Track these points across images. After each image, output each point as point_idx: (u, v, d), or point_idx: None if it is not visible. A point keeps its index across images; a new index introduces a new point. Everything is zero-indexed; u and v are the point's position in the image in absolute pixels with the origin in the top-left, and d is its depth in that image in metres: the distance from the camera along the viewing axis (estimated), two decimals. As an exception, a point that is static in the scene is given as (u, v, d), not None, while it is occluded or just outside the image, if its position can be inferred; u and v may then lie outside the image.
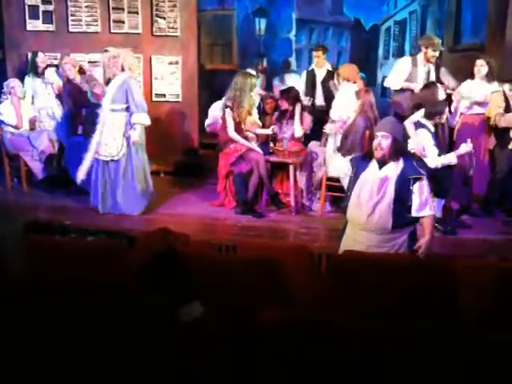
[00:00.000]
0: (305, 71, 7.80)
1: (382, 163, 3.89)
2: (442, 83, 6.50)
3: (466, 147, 5.23)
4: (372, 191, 3.86)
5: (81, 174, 5.80)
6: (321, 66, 7.55)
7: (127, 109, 5.64)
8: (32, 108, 6.94)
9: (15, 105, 6.71)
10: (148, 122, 5.75)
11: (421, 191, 3.83)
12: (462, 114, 6.10)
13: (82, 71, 6.89)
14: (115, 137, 5.66)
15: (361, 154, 4.28)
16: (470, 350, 1.79)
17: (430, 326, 1.86)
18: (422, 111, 5.47)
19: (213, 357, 2.09)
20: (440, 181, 5.27)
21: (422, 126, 5.32)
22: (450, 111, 5.68)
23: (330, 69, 7.59)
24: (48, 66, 7.10)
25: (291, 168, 5.98)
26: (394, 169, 3.86)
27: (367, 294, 2.73)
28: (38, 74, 6.97)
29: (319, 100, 7.35)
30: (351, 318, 2.00)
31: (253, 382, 2.07)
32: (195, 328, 2.18)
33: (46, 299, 2.14)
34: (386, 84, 6.70)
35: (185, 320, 2.18)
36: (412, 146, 5.37)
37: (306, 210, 6.12)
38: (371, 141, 4.12)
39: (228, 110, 5.93)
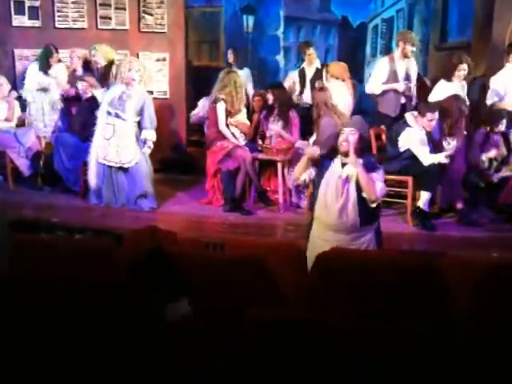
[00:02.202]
0: (297, 70, 7.59)
1: (343, 163, 3.95)
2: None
3: (454, 145, 5.29)
4: (337, 193, 3.92)
5: (93, 180, 5.88)
6: (311, 64, 7.38)
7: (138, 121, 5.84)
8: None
9: None
10: (155, 137, 5.94)
11: (380, 179, 3.92)
12: None
13: (86, 65, 6.89)
14: (127, 144, 5.78)
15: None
16: (462, 349, 1.81)
17: (421, 325, 1.87)
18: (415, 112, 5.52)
19: (201, 355, 2.08)
20: (425, 175, 5.33)
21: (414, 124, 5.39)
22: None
23: (319, 66, 7.43)
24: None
25: (279, 165, 5.98)
26: (354, 168, 3.91)
27: (355, 291, 2.74)
28: (46, 70, 6.89)
29: (307, 98, 7.28)
30: (339, 316, 2.00)
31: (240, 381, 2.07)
32: (182, 326, 2.17)
33: (35, 298, 2.12)
34: (367, 91, 6.58)
35: (171, 318, 2.17)
36: (402, 143, 5.41)
37: (293, 208, 6.12)
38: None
39: (222, 103, 5.90)
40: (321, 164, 4.10)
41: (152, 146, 5.90)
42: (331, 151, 4.10)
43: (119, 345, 2.06)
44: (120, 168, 5.82)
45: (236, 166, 5.93)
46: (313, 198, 4.15)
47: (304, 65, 7.46)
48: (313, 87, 7.22)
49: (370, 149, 4.36)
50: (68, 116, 6.65)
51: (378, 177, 3.94)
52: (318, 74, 7.28)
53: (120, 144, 5.76)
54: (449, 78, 6.06)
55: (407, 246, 5.03)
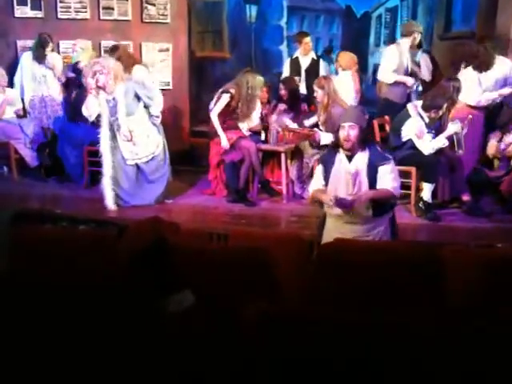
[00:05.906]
0: (288, 59, 7.53)
1: (350, 156, 3.94)
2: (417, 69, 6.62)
3: (454, 127, 5.26)
4: (347, 187, 3.93)
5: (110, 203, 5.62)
6: (306, 54, 7.26)
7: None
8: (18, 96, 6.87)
9: None
10: (161, 106, 6.01)
11: (390, 172, 3.89)
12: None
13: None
14: (149, 134, 5.72)
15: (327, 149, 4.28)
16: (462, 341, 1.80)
17: (423, 317, 1.86)
18: (420, 101, 5.49)
19: (199, 350, 2.08)
20: (427, 166, 5.32)
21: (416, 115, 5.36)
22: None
23: (315, 57, 7.36)
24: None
25: (283, 156, 5.97)
26: (362, 159, 3.92)
27: (358, 282, 2.74)
28: (41, 60, 6.87)
29: (302, 89, 7.11)
30: (340, 309, 2.00)
31: (236, 377, 2.06)
32: (184, 318, 2.17)
33: (34, 294, 2.12)
34: (378, 77, 6.69)
35: (173, 309, 2.17)
36: (405, 133, 5.39)
37: (297, 198, 6.12)
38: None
39: (227, 95, 5.87)
40: (326, 159, 4.10)
41: (160, 116, 5.91)
42: (334, 145, 4.09)
43: (119, 339, 2.06)
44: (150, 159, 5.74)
45: (240, 157, 5.92)
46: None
47: (298, 54, 7.35)
48: (309, 77, 7.15)
49: (373, 138, 4.34)
50: (69, 104, 6.63)
51: (389, 170, 3.90)
52: (314, 64, 7.21)
53: (141, 139, 5.65)
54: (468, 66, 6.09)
55: (411, 237, 5.02)
